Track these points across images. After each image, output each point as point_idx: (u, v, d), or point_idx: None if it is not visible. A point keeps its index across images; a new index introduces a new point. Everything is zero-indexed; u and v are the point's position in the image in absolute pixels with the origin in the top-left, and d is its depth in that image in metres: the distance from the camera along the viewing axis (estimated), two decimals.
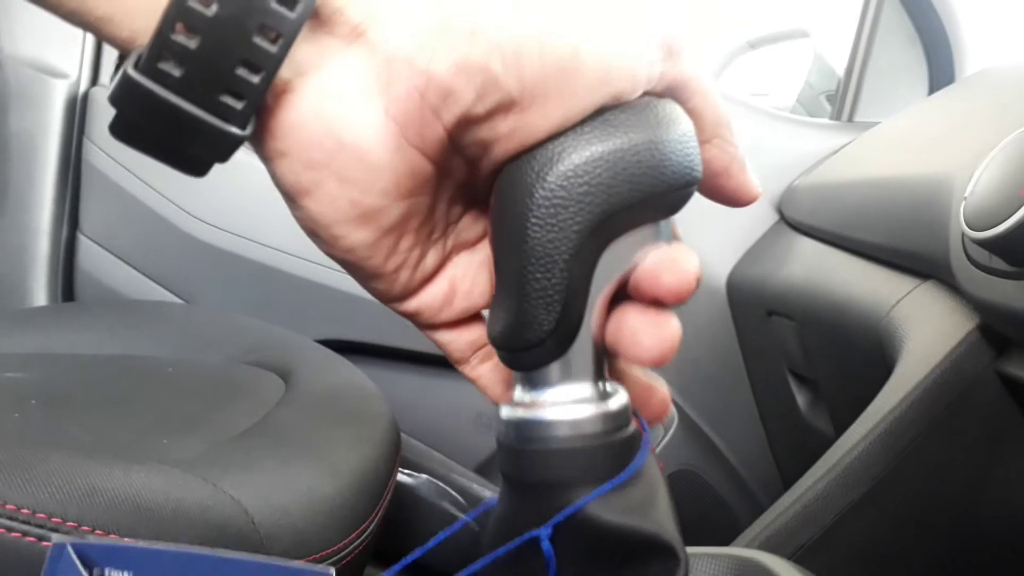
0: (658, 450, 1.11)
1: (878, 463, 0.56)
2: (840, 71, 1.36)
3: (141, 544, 0.25)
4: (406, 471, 0.98)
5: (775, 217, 1.15)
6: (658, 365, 0.25)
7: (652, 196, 0.24)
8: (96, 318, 0.93)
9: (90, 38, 1.13)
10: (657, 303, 0.25)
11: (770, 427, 1.12)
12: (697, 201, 0.27)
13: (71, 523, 0.46)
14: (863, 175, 0.89)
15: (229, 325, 0.95)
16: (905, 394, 0.57)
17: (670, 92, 0.25)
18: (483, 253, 0.29)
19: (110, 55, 1.13)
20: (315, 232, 0.26)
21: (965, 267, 0.56)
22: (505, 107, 0.23)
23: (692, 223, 0.29)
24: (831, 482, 0.56)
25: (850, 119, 1.28)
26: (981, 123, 0.71)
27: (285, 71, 0.23)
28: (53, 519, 0.46)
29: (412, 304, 0.28)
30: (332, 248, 0.26)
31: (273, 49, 0.22)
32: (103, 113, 1.11)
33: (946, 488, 0.58)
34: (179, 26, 0.22)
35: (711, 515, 1.15)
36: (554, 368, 0.25)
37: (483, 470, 1.13)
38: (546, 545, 0.25)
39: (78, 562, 0.25)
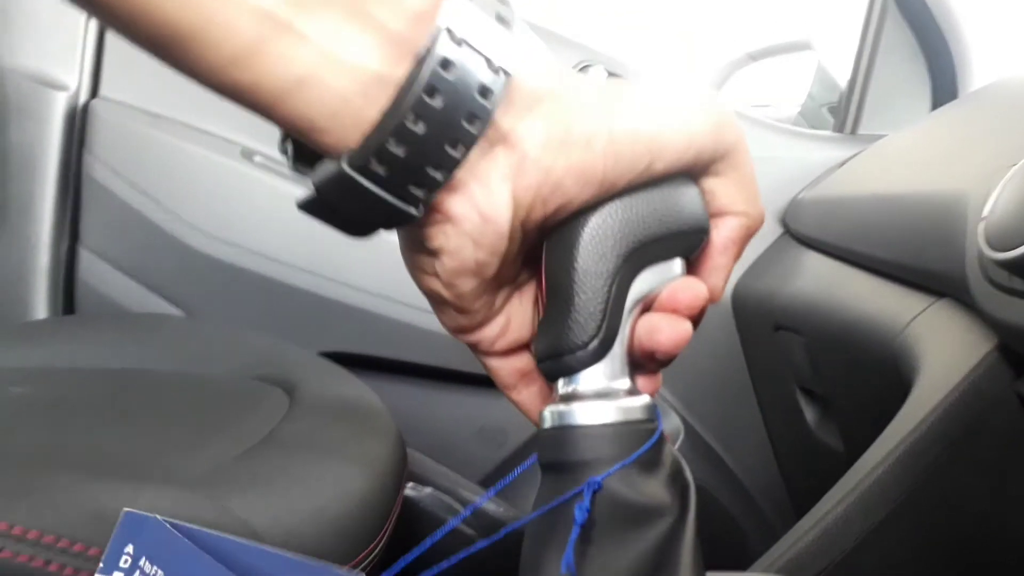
0: None
1: (898, 486, 0.56)
2: (843, 83, 1.36)
3: (199, 529, 0.30)
4: (412, 484, 0.97)
5: (780, 230, 1.14)
6: (671, 352, 0.32)
7: (674, 233, 0.32)
8: (97, 331, 0.92)
9: (89, 49, 1.12)
10: (676, 313, 0.32)
11: (777, 442, 1.12)
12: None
13: (78, 546, 0.45)
14: (872, 189, 0.89)
15: (232, 338, 0.94)
16: (924, 416, 0.57)
17: (708, 175, 0.33)
18: (529, 293, 0.36)
19: (110, 66, 1.12)
20: (437, 278, 0.32)
21: (984, 287, 0.55)
22: (596, 194, 0.31)
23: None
24: (851, 505, 0.55)
25: (853, 131, 1.28)
26: (993, 139, 0.71)
27: (462, 173, 0.30)
28: (60, 542, 0.45)
29: (477, 335, 0.35)
30: (446, 292, 0.33)
31: (457, 155, 0.29)
32: (103, 125, 1.10)
33: (966, 510, 0.58)
34: (392, 139, 0.28)
35: (718, 530, 1.14)
36: (592, 369, 0.31)
37: (488, 483, 1.12)
38: (579, 516, 0.29)
39: (165, 526, 0.30)
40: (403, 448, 0.76)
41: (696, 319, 0.32)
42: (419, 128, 0.28)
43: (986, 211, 0.54)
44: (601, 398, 0.31)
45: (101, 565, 0.30)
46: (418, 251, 0.33)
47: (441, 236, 0.31)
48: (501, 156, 0.30)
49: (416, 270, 0.33)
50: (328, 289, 1.10)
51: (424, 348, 1.12)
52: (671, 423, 1.15)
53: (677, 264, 0.33)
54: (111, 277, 1.12)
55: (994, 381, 0.56)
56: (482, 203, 0.30)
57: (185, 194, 1.11)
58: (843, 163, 1.12)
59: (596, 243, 0.31)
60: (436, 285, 0.33)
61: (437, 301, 0.34)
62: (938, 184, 0.70)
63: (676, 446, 1.14)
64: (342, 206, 0.30)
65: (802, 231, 1.05)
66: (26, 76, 1.09)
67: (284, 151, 0.32)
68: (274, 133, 0.32)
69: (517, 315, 0.35)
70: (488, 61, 0.29)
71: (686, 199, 0.32)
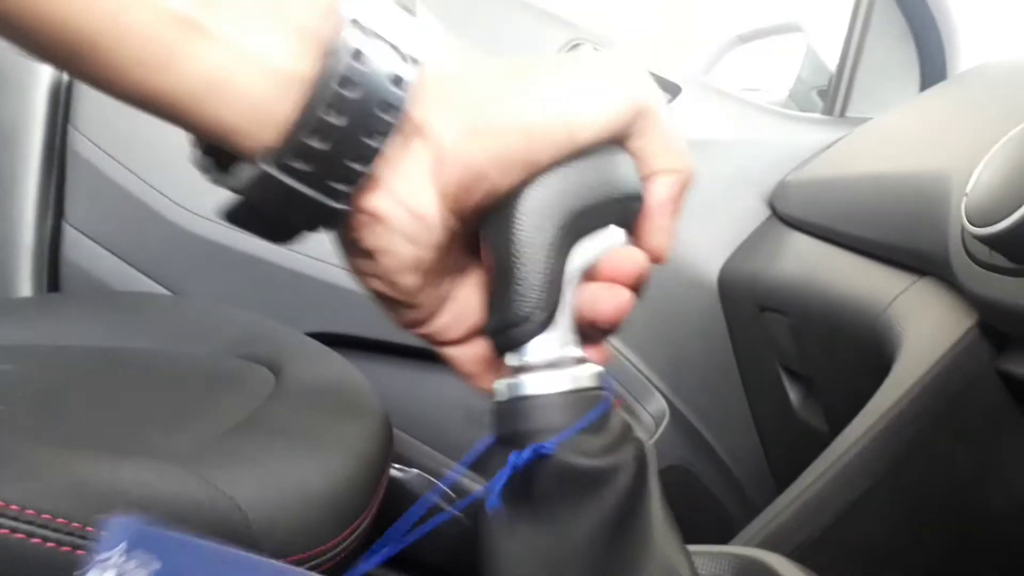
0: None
1: (877, 461, 0.56)
2: (832, 66, 1.36)
3: (178, 535, 0.29)
4: (397, 466, 0.97)
5: (767, 212, 1.15)
6: (613, 323, 0.32)
7: (610, 200, 0.32)
8: (82, 309, 0.91)
9: None
10: (616, 282, 0.32)
11: (762, 423, 1.13)
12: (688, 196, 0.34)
13: (60, 520, 0.45)
14: (858, 170, 0.89)
15: (218, 317, 0.93)
16: (904, 392, 0.57)
17: (629, 137, 0.33)
18: (477, 278, 0.36)
19: None
20: (380, 277, 0.33)
21: (965, 264, 0.56)
22: (520, 178, 0.31)
23: (683, 217, 0.33)
24: (830, 480, 0.56)
25: (842, 114, 1.28)
26: (978, 120, 0.71)
27: (379, 171, 0.30)
28: (42, 515, 0.45)
29: (430, 327, 0.35)
30: (390, 290, 0.33)
31: (375, 145, 0.29)
32: (89, 99, 1.09)
33: (945, 486, 0.58)
34: (314, 133, 0.28)
35: (702, 511, 1.15)
36: (539, 339, 0.32)
37: (474, 465, 1.12)
38: (512, 459, 0.30)
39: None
40: (389, 428, 0.76)
41: (638, 286, 0.33)
42: (339, 121, 0.28)
43: (969, 188, 0.54)
44: (550, 368, 0.31)
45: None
46: (355, 255, 0.33)
47: (372, 236, 0.31)
48: (420, 151, 0.30)
49: (357, 274, 0.34)
50: (315, 269, 1.10)
51: (412, 333, 1.11)
52: (655, 404, 1.15)
53: (616, 232, 0.33)
54: (96, 254, 1.11)
55: (974, 358, 0.57)
56: (408, 199, 0.30)
57: (172, 171, 1.10)
58: (831, 145, 1.12)
59: (532, 215, 0.31)
60: (378, 285, 0.33)
61: (383, 300, 0.34)
62: (922, 164, 0.71)
63: (661, 427, 1.15)
64: (266, 208, 0.29)
65: (789, 213, 1.05)
66: (10, 50, 1.08)
67: (203, 167, 0.32)
68: None
69: (468, 301, 0.35)
70: (397, 50, 0.29)
71: (618, 167, 0.32)
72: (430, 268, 0.32)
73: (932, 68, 1.24)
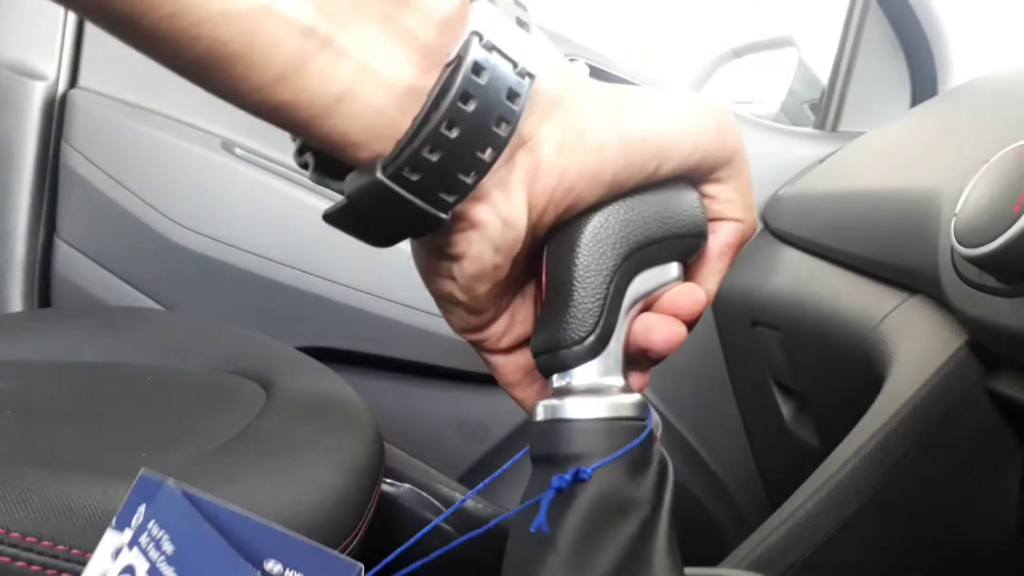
0: None
1: (868, 481, 0.56)
2: (824, 80, 1.37)
3: (207, 498, 0.30)
4: (389, 480, 0.97)
5: (760, 226, 1.15)
6: (665, 352, 0.33)
7: (675, 236, 0.33)
8: (73, 324, 0.91)
9: (68, 39, 1.11)
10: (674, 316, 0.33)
11: (754, 438, 1.12)
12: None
13: (46, 542, 0.45)
14: (849, 186, 0.90)
15: (209, 332, 0.93)
16: (895, 411, 0.57)
17: (705, 177, 0.34)
18: (531, 289, 0.36)
19: (89, 56, 1.11)
20: (454, 282, 0.33)
21: (955, 283, 0.56)
22: (605, 196, 0.32)
23: None
24: (821, 500, 0.56)
25: (834, 128, 1.29)
26: (968, 137, 0.72)
27: (486, 181, 0.30)
28: (28, 538, 0.45)
29: (483, 333, 0.36)
30: (462, 295, 0.33)
31: (487, 159, 0.29)
32: (82, 115, 1.09)
33: (936, 505, 0.58)
34: (427, 145, 0.28)
35: (695, 525, 1.15)
36: (588, 365, 0.32)
37: (466, 479, 1.12)
38: (555, 482, 0.30)
39: (177, 492, 0.31)
40: (380, 444, 0.76)
41: (692, 323, 0.33)
42: (453, 134, 0.28)
43: (958, 207, 0.54)
44: (594, 394, 0.31)
45: (114, 521, 0.31)
46: (436, 257, 0.33)
47: (464, 243, 0.31)
48: (520, 161, 0.31)
49: (432, 275, 0.34)
50: (307, 283, 1.10)
51: (404, 343, 1.11)
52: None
53: (675, 267, 0.33)
54: (88, 269, 1.11)
55: (964, 377, 0.57)
56: (504, 209, 0.31)
57: (164, 186, 1.10)
58: (823, 160, 1.13)
59: (598, 241, 0.31)
60: (452, 288, 0.33)
61: (450, 303, 0.34)
62: (913, 181, 0.71)
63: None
64: (375, 215, 0.30)
65: (781, 227, 1.05)
66: (4, 65, 1.08)
67: (303, 164, 0.33)
68: (256, 125, 0.32)
69: (520, 312, 0.36)
70: (515, 65, 0.29)
71: (687, 203, 0.33)
72: (504, 277, 0.33)
73: (923, 83, 1.25)
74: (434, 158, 0.28)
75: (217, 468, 0.59)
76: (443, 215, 0.30)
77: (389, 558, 0.34)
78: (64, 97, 1.10)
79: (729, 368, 1.14)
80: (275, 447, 0.65)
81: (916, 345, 0.61)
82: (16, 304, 1.08)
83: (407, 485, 0.98)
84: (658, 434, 0.34)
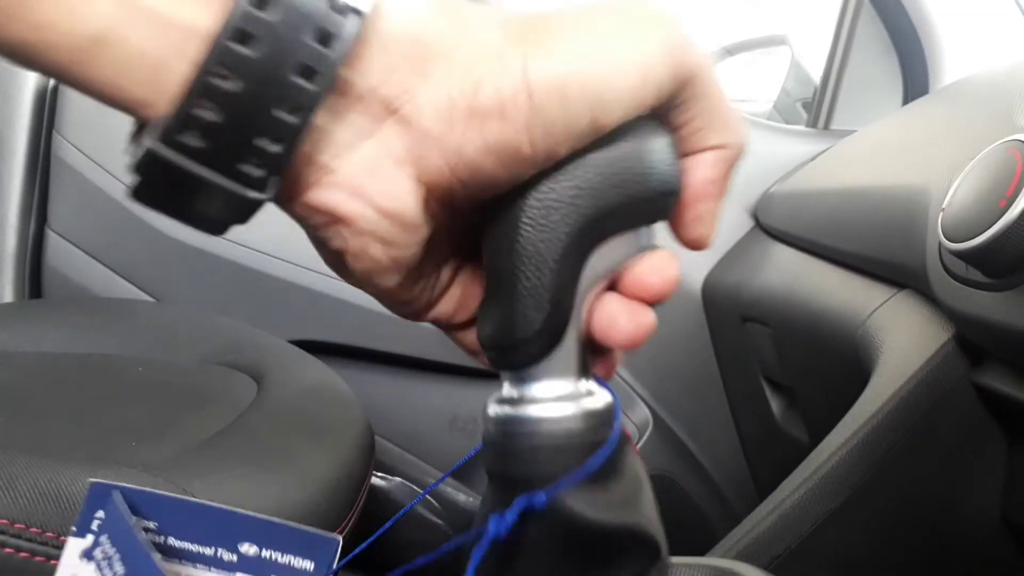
0: None
1: (855, 473, 0.57)
2: (817, 79, 1.37)
3: (169, 495, 0.29)
4: (380, 474, 0.97)
5: (751, 223, 1.15)
6: (631, 348, 0.27)
7: (637, 201, 0.26)
8: (64, 316, 0.91)
9: None
10: (640, 300, 0.27)
11: (744, 433, 1.13)
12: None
13: (34, 529, 0.45)
14: (840, 183, 0.90)
15: (201, 324, 0.93)
16: (881, 404, 0.58)
17: (672, 111, 0.27)
18: (479, 258, 0.31)
19: None
20: (357, 281, 0.28)
21: (942, 278, 0.56)
22: (527, 170, 0.25)
23: (667, 228, 0.28)
24: (808, 491, 0.56)
25: (826, 127, 1.29)
26: (957, 134, 0.72)
27: (322, 154, 0.25)
28: (16, 525, 0.45)
29: (431, 315, 0.31)
30: (370, 290, 0.28)
31: (293, 120, 0.23)
32: (73, 106, 1.09)
33: (922, 497, 0.59)
34: (202, 100, 0.23)
35: (685, 520, 1.15)
36: (541, 364, 0.26)
37: (458, 474, 1.12)
38: (492, 527, 0.25)
39: (124, 507, 0.28)
40: (371, 437, 0.76)
41: (661, 300, 0.27)
42: (232, 85, 0.22)
43: (945, 203, 0.55)
44: (550, 400, 0.26)
45: (74, 528, 0.30)
46: (326, 255, 0.28)
47: (338, 238, 0.26)
48: (392, 136, 0.25)
49: (334, 269, 0.28)
50: (299, 276, 1.10)
51: (395, 337, 1.11)
52: (639, 413, 1.16)
53: (643, 234, 0.27)
54: (79, 261, 1.10)
55: (951, 370, 0.57)
56: (376, 196, 0.25)
57: None
58: (815, 157, 1.13)
59: (540, 219, 0.25)
60: (359, 285, 0.28)
61: (372, 294, 0.29)
62: (902, 178, 0.71)
63: (644, 436, 1.15)
64: (164, 191, 0.24)
65: (772, 224, 1.06)
66: None
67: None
68: None
69: (474, 282, 0.30)
70: None
71: (651, 155, 0.26)
72: (417, 264, 0.28)
73: (915, 82, 1.26)
74: (215, 118, 0.23)
75: (207, 459, 0.59)
76: (258, 194, 0.24)
77: (367, 541, 0.32)
78: (56, 88, 1.10)
79: (719, 364, 1.14)
80: (265, 439, 0.65)
81: (903, 339, 0.61)
82: (7, 295, 1.08)
83: (398, 479, 0.98)
84: (647, 431, 0.30)
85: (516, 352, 0.26)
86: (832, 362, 0.76)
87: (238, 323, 0.94)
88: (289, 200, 0.26)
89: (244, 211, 0.25)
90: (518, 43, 0.24)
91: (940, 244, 0.55)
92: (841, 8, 1.29)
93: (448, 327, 0.32)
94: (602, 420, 0.26)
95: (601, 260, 0.26)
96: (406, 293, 0.29)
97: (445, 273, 0.30)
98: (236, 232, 0.26)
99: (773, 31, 1.77)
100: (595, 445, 0.26)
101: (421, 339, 1.10)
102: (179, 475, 0.53)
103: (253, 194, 0.24)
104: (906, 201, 0.66)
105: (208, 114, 0.23)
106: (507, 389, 0.27)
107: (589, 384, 0.27)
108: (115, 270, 1.11)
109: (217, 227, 0.26)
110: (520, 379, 0.27)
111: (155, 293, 1.12)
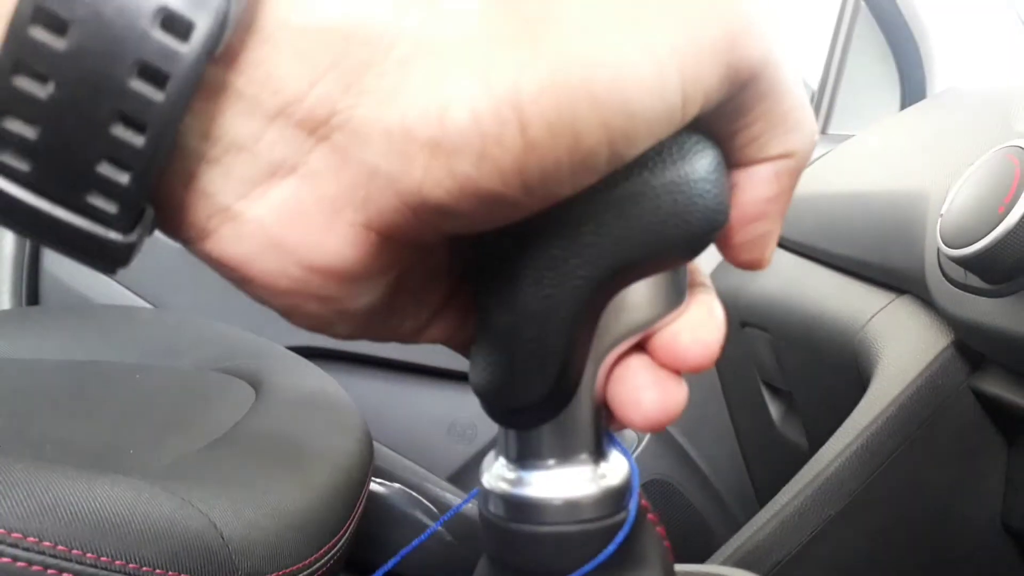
0: None
1: (854, 479, 0.57)
2: (814, 83, 1.38)
3: None
4: (378, 480, 0.97)
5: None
6: (654, 431, 0.22)
7: (670, 247, 0.19)
8: (62, 323, 0.91)
9: None
10: (671, 370, 0.21)
11: (743, 438, 1.13)
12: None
13: (31, 539, 0.45)
14: (838, 188, 0.90)
15: (199, 331, 0.93)
16: (881, 410, 0.58)
17: (724, 116, 0.20)
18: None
19: None
20: (304, 328, 0.22)
21: (940, 283, 0.56)
22: (518, 215, 0.18)
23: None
24: (807, 498, 0.56)
25: (823, 131, 1.29)
26: (954, 140, 0.72)
27: (222, 194, 0.18)
28: (13, 534, 0.44)
29: (425, 338, 0.25)
30: (325, 334, 0.22)
31: (139, 142, 0.17)
32: None
33: (921, 503, 0.59)
34: (11, 110, 0.17)
35: (683, 525, 1.15)
36: (546, 439, 0.22)
37: (456, 479, 1.12)
38: None
39: None
40: (369, 443, 0.76)
41: (707, 367, 0.21)
42: (44, 89, 0.16)
43: (944, 208, 0.55)
44: (559, 480, 0.22)
45: None
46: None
47: (256, 294, 0.20)
48: (323, 171, 0.18)
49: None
50: None
51: (394, 343, 1.11)
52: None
53: (678, 278, 0.21)
54: (77, 268, 1.10)
55: (950, 376, 0.57)
56: (300, 250, 0.19)
57: None
58: (812, 162, 1.13)
59: (546, 269, 0.20)
60: (310, 330, 0.22)
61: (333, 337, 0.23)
62: (900, 183, 0.71)
63: (643, 441, 1.15)
64: (10, 224, 0.18)
65: None
66: None
67: None
68: None
69: (472, 306, 0.24)
70: None
71: (692, 187, 0.19)
72: (381, 305, 0.21)
73: (912, 87, 1.26)
74: (31, 134, 0.17)
75: (204, 467, 0.58)
76: (118, 235, 0.18)
77: (391, 563, 0.28)
78: None
79: (718, 369, 1.14)
80: (263, 445, 0.65)
81: (902, 345, 0.61)
82: (5, 302, 1.08)
83: (397, 485, 0.98)
84: (645, 437, 0.26)
85: (518, 416, 0.22)
86: (831, 367, 0.76)
87: (236, 330, 0.94)
88: (190, 244, 0.20)
89: (110, 255, 0.18)
90: (509, 45, 0.17)
91: (939, 250, 0.54)
92: (838, 12, 1.29)
93: (451, 345, 0.26)
94: (617, 499, 0.22)
95: (625, 314, 0.21)
96: (375, 332, 0.23)
97: (433, 297, 0.24)
98: None
99: None
100: (610, 529, 0.22)
101: (419, 346, 1.10)
102: (177, 484, 0.53)
103: (113, 235, 0.18)
104: (905, 206, 0.66)
105: (23, 128, 0.17)
106: (507, 468, 0.23)
107: (604, 457, 0.22)
108: (113, 277, 1.11)
109: (100, 266, 0.20)
110: (520, 453, 0.22)
111: (153, 300, 1.11)
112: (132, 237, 0.18)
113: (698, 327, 0.21)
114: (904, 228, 0.65)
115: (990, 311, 0.50)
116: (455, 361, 1.11)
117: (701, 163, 0.19)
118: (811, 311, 0.80)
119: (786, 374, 0.91)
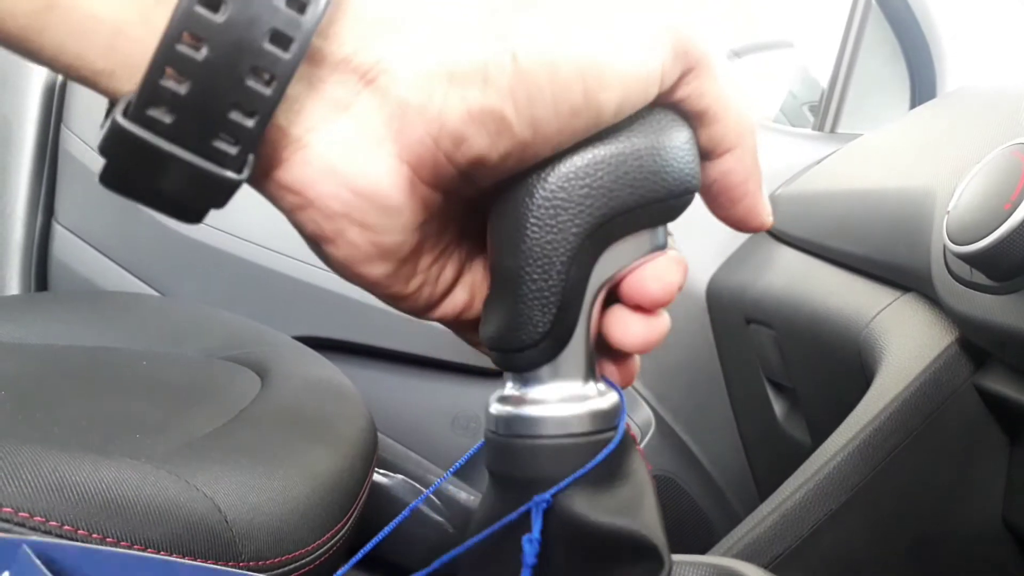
0: None
1: (856, 474, 0.57)
2: (824, 82, 1.37)
3: (92, 547, 0.25)
4: (382, 471, 0.97)
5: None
6: (643, 352, 0.27)
7: (651, 201, 0.25)
8: (70, 309, 0.91)
9: None
10: (638, 307, 0.26)
11: (746, 434, 1.13)
12: None
13: (38, 518, 0.45)
14: (845, 186, 0.90)
15: (206, 319, 0.93)
16: (884, 406, 0.58)
17: (683, 101, 0.25)
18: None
19: None
20: (339, 270, 0.26)
21: (946, 280, 0.56)
22: (518, 148, 0.23)
23: (673, 229, 0.28)
24: (809, 492, 0.56)
25: (832, 130, 1.29)
26: (962, 138, 0.72)
27: (296, 127, 0.23)
28: (20, 513, 0.45)
29: (437, 313, 0.29)
30: (356, 281, 0.26)
31: (267, 92, 0.22)
32: (81, 100, 1.09)
33: (923, 499, 0.59)
34: (169, 71, 0.21)
35: (686, 521, 1.15)
36: (546, 366, 0.26)
37: (459, 471, 1.12)
38: (529, 552, 0.25)
39: (38, 562, 0.24)
40: (374, 433, 0.76)
41: (664, 305, 0.26)
42: (199, 53, 0.21)
43: (951, 205, 0.55)
44: (555, 402, 0.26)
45: None
46: (306, 241, 0.26)
47: (310, 222, 0.24)
48: (370, 108, 0.23)
49: (319, 257, 0.26)
50: (304, 273, 1.10)
51: (399, 335, 1.12)
52: (641, 413, 1.16)
53: (652, 237, 0.26)
54: (85, 254, 1.11)
55: (954, 374, 0.57)
56: (352, 176, 0.23)
57: None
58: (821, 160, 1.13)
59: (548, 219, 0.24)
60: (341, 273, 0.26)
61: (362, 286, 0.27)
62: (907, 181, 0.71)
63: (647, 437, 1.15)
64: (134, 171, 0.23)
65: (777, 227, 1.06)
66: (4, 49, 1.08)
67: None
68: None
69: (483, 283, 0.29)
70: None
71: (668, 152, 0.24)
72: (408, 253, 0.26)
73: (922, 87, 1.25)
74: (184, 90, 0.21)
75: (210, 452, 0.59)
76: (231, 174, 0.23)
77: (372, 543, 0.31)
78: (64, 82, 1.11)
79: (723, 365, 1.14)
80: (268, 433, 0.65)
81: (907, 342, 0.61)
82: (13, 287, 1.09)
83: (400, 476, 0.98)
84: (650, 431, 0.29)
85: (521, 355, 0.25)
86: (835, 364, 0.76)
87: (243, 318, 0.94)
88: (261, 178, 0.24)
89: (220, 194, 0.23)
90: (506, 12, 0.23)
91: (945, 247, 0.55)
92: (849, 11, 1.29)
93: (456, 326, 0.30)
94: (607, 420, 0.26)
95: (610, 261, 0.25)
96: (400, 287, 0.27)
97: (448, 270, 0.28)
98: (241, 227, 0.26)
99: (780, 34, 1.77)
100: (599, 445, 0.25)
101: (425, 337, 1.11)
102: (182, 467, 0.53)
103: (229, 174, 0.23)
104: (911, 204, 0.66)
105: (176, 86, 0.21)
106: (510, 388, 0.27)
107: (596, 386, 0.26)
108: (121, 264, 1.11)
109: (192, 214, 0.24)
110: (524, 378, 0.26)
111: (161, 287, 1.12)
112: (244, 175, 0.23)
113: (661, 272, 0.25)
114: (910, 225, 0.65)
115: (995, 308, 0.50)
116: (459, 354, 1.12)
117: (678, 135, 0.25)
118: (816, 308, 0.80)
119: (790, 370, 0.91)
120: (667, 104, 0.25)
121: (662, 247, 0.26)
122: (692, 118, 0.25)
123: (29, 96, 1.09)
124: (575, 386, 0.26)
